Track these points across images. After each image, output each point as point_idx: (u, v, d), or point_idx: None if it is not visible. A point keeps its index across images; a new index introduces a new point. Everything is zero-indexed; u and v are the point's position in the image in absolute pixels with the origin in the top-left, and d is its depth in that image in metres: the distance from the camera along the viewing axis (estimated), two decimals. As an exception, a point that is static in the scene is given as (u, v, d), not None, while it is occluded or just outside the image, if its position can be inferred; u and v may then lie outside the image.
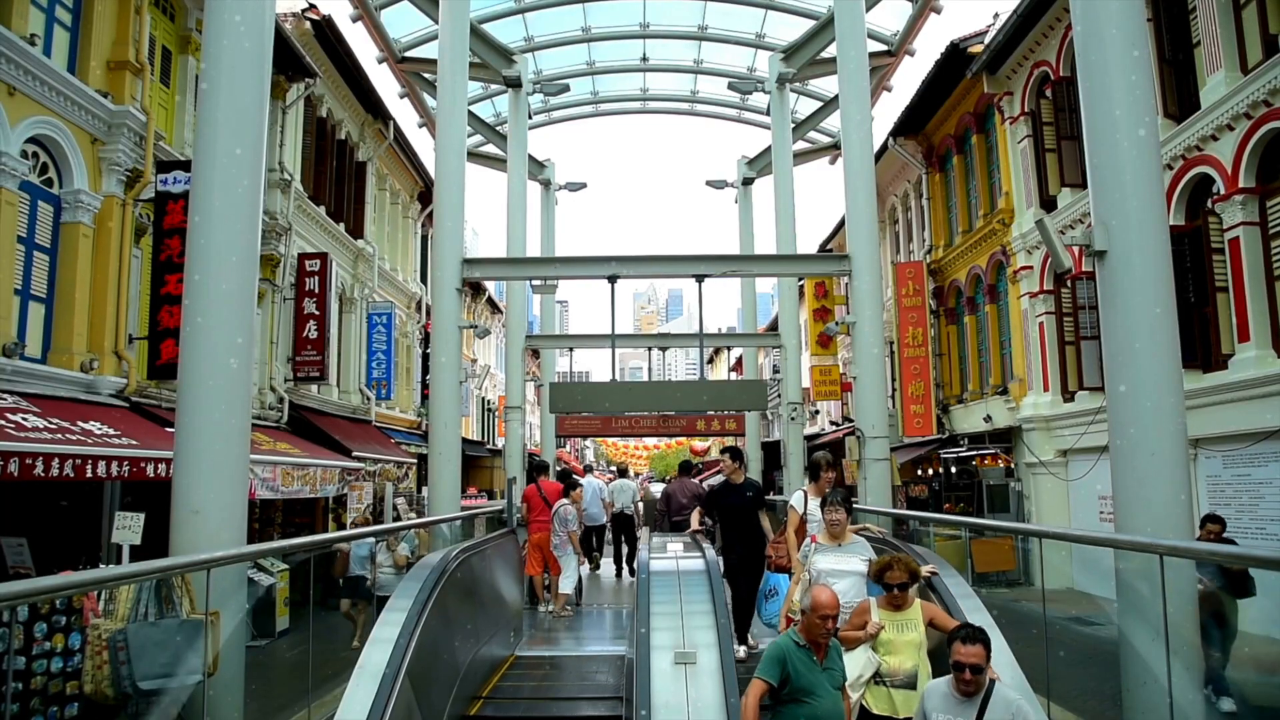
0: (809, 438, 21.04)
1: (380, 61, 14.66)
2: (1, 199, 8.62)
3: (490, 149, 18.48)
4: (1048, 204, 14.17)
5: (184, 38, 11.90)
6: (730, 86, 16.48)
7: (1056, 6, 13.25)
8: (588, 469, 42.08)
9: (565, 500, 10.20)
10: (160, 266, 10.39)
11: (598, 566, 14.18)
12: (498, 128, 17.53)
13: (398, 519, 16.51)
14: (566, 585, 10.08)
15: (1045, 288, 14.58)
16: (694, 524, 7.61)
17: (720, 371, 47.81)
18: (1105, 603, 6.47)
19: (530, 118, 16.67)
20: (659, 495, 15.63)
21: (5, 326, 8.69)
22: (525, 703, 6.82)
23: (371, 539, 9.25)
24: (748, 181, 19.70)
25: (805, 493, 6.46)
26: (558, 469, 15.21)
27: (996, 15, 15.30)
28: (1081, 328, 12.84)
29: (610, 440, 44.48)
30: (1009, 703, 3.81)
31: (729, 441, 14.69)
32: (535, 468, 11.55)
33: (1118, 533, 5.55)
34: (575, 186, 20.38)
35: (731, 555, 7.31)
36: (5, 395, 8.28)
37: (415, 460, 19.28)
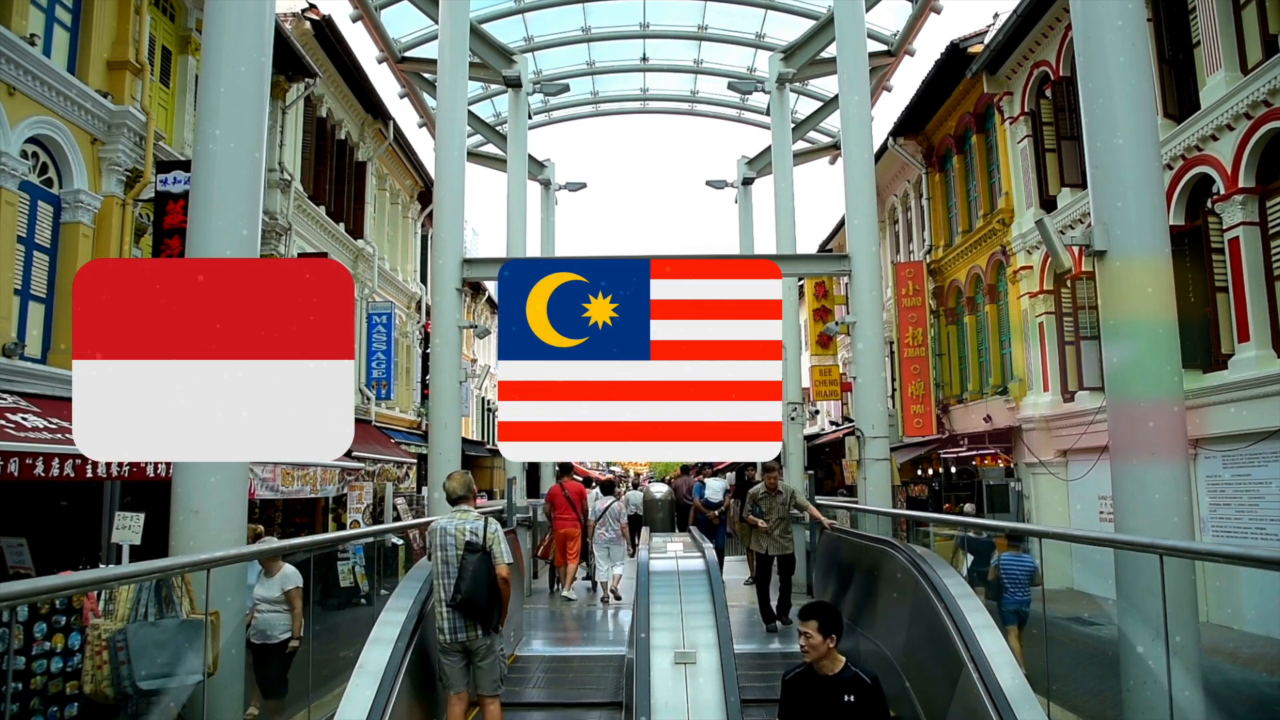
0: (809, 438, 21.03)
1: (380, 61, 14.65)
2: (1, 199, 8.62)
3: (490, 149, 18.46)
4: (1048, 204, 14.17)
5: (184, 38, 11.90)
6: (730, 86, 16.46)
7: (1056, 6, 13.25)
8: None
9: (611, 498, 11.44)
10: (160, 266, 10.39)
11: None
12: (498, 128, 17.52)
13: (398, 519, 16.51)
14: (619, 569, 11.01)
15: (1045, 288, 14.58)
16: None
17: (720, 371, 47.73)
18: (1105, 603, 6.47)
19: (530, 118, 16.66)
20: (659, 495, 15.86)
21: (5, 326, 8.69)
22: (524, 702, 6.82)
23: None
24: (748, 181, 19.68)
25: None
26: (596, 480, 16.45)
27: (996, 15, 15.30)
28: (1081, 328, 12.84)
29: (610, 440, 44.32)
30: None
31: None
32: (562, 469, 12.55)
33: (1118, 533, 5.56)
34: (575, 186, 20.37)
35: None
36: (5, 395, 8.28)
37: (415, 460, 19.28)
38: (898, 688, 6.01)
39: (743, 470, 18.22)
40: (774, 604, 8.91)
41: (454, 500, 5.39)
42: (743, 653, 6.94)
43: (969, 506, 15.43)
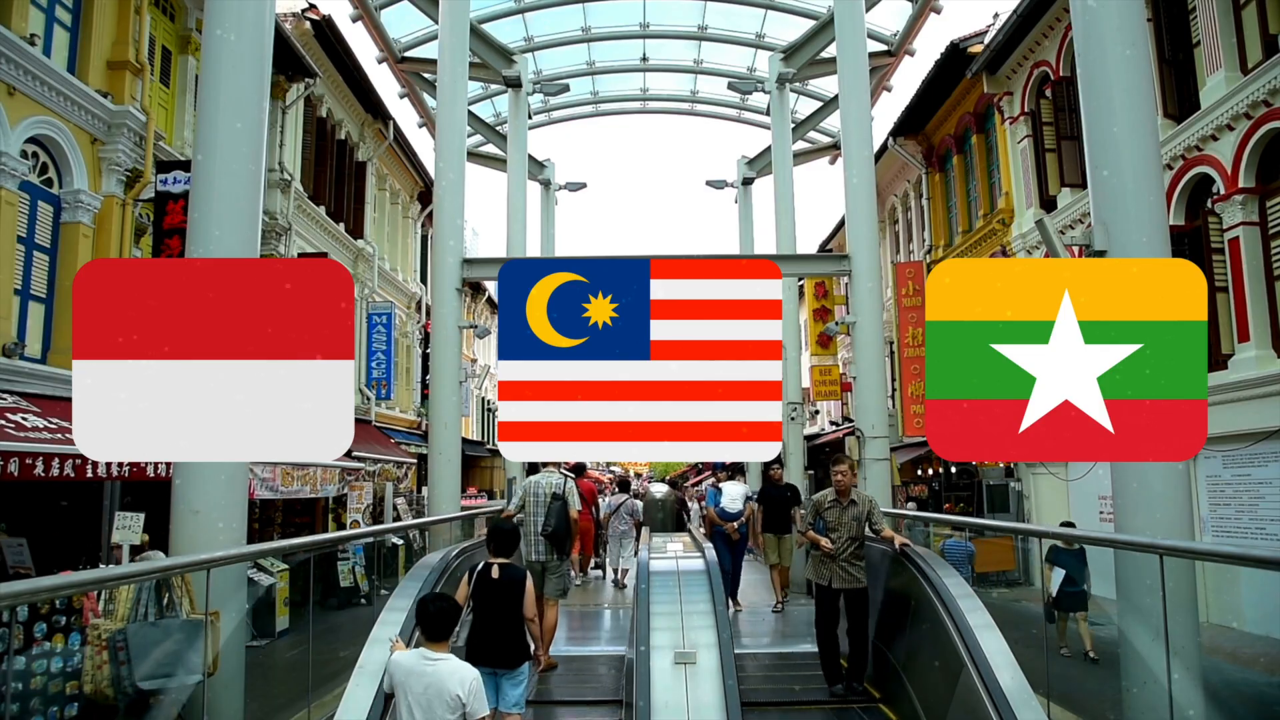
0: (809, 438, 21.03)
1: (380, 61, 14.65)
2: (1, 199, 8.62)
3: (490, 149, 18.47)
4: (1048, 204, 14.16)
5: (184, 38, 11.90)
6: (730, 86, 16.47)
7: (1056, 6, 13.24)
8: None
9: (625, 495, 12.60)
10: (160, 266, 10.38)
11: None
12: (498, 128, 17.52)
13: (398, 519, 16.51)
14: (633, 563, 11.74)
15: (1045, 288, 14.56)
16: None
17: (720, 371, 47.72)
18: (1105, 603, 6.47)
19: (530, 118, 16.67)
20: (659, 495, 15.84)
21: (5, 326, 8.69)
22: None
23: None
24: (748, 181, 19.70)
25: None
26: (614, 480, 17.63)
27: (996, 15, 15.30)
28: (1081, 328, 12.81)
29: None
30: None
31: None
32: (575, 469, 13.11)
33: (1118, 533, 5.56)
34: (575, 186, 20.38)
35: None
36: (5, 395, 8.28)
37: (415, 460, 19.28)
38: (898, 687, 6.01)
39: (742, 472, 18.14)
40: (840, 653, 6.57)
41: (538, 468, 7.64)
42: (743, 653, 6.94)
43: (911, 504, 15.60)
